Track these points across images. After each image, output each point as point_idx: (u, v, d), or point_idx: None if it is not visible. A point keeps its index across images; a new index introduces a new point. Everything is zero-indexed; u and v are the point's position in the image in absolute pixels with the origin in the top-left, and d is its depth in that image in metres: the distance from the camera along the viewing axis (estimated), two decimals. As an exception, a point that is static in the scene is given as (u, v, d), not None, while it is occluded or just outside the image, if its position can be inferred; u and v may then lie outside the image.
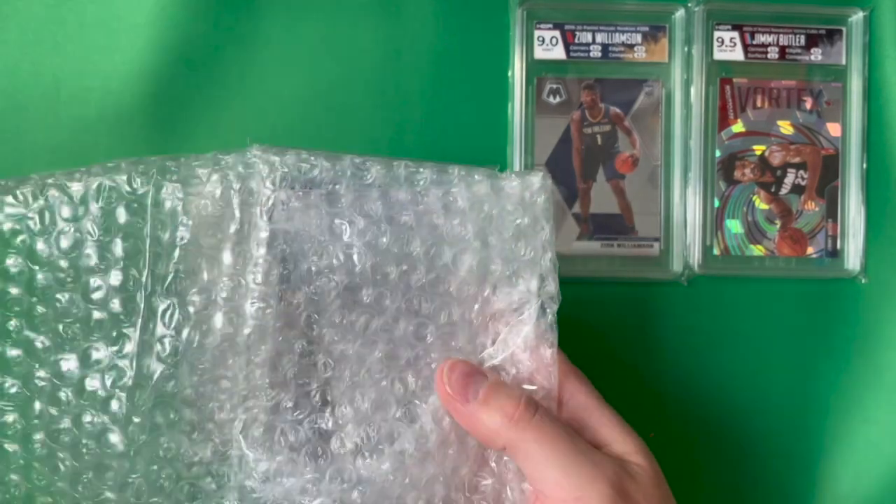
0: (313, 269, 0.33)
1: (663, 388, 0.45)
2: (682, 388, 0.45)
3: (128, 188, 0.33)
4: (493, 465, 0.35)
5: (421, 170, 0.35)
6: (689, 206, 0.45)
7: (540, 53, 0.45)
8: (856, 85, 0.46)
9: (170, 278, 0.33)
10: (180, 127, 0.44)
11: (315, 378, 0.34)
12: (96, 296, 0.33)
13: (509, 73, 0.45)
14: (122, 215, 0.33)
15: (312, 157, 0.34)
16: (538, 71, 0.45)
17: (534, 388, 0.34)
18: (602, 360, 0.45)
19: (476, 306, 0.35)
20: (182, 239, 0.33)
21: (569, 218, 0.45)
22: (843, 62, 0.46)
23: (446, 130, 0.45)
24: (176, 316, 0.33)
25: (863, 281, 0.46)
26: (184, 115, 0.44)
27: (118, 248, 0.33)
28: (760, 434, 0.46)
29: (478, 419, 0.32)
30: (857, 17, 0.46)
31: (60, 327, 0.33)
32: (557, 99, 0.45)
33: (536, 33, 0.45)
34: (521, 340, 0.34)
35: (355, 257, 0.33)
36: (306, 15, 0.44)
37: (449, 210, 0.34)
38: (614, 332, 0.45)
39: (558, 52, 0.45)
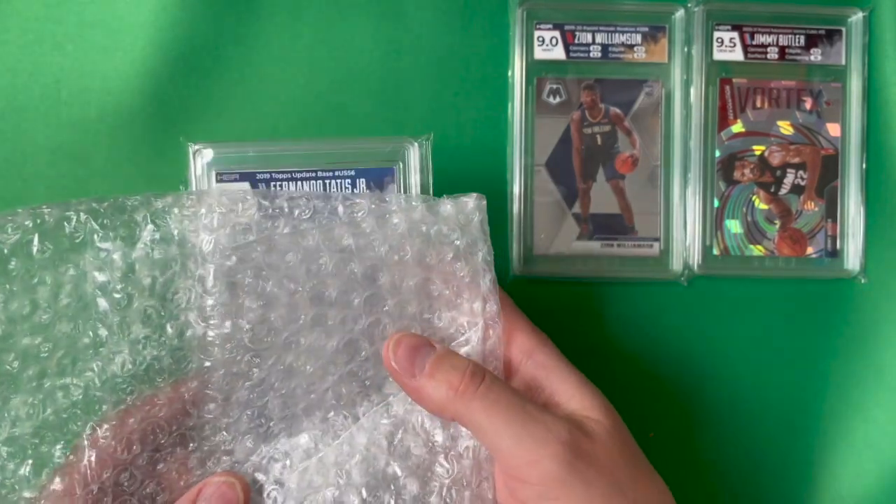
0: (253, 304, 0.33)
1: (663, 388, 0.45)
2: (681, 387, 0.45)
3: (63, 232, 0.33)
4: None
5: (359, 201, 0.35)
6: (688, 206, 0.45)
7: (540, 53, 0.45)
8: (855, 85, 0.46)
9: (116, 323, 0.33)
10: (180, 127, 0.44)
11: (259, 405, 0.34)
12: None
13: (509, 73, 0.45)
14: (55, 264, 0.33)
15: (249, 197, 0.34)
16: (538, 71, 0.45)
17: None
18: (602, 359, 0.45)
19: (416, 328, 0.35)
20: (123, 285, 0.33)
21: (569, 218, 0.45)
22: (843, 62, 0.46)
23: (446, 130, 0.45)
24: (126, 363, 0.33)
25: (862, 281, 0.46)
26: (184, 115, 0.44)
27: (63, 298, 0.33)
28: (760, 434, 0.46)
29: (425, 393, 0.32)
30: (857, 17, 0.46)
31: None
32: (557, 99, 0.45)
33: (536, 33, 0.45)
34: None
35: (291, 287, 0.34)
36: (306, 15, 0.44)
37: (384, 236, 0.34)
38: (614, 332, 0.45)
39: (558, 53, 0.45)
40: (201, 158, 0.37)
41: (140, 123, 0.43)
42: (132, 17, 0.43)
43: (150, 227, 0.34)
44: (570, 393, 0.34)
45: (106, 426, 0.32)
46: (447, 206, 0.35)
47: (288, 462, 0.34)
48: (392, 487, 0.34)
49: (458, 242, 0.35)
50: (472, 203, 0.35)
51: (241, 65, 0.44)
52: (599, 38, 0.45)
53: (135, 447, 0.33)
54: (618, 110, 0.45)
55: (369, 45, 0.45)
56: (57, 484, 0.32)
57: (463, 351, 0.35)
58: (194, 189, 0.35)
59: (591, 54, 0.45)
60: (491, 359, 0.35)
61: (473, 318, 0.35)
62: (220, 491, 0.32)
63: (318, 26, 0.44)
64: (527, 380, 0.35)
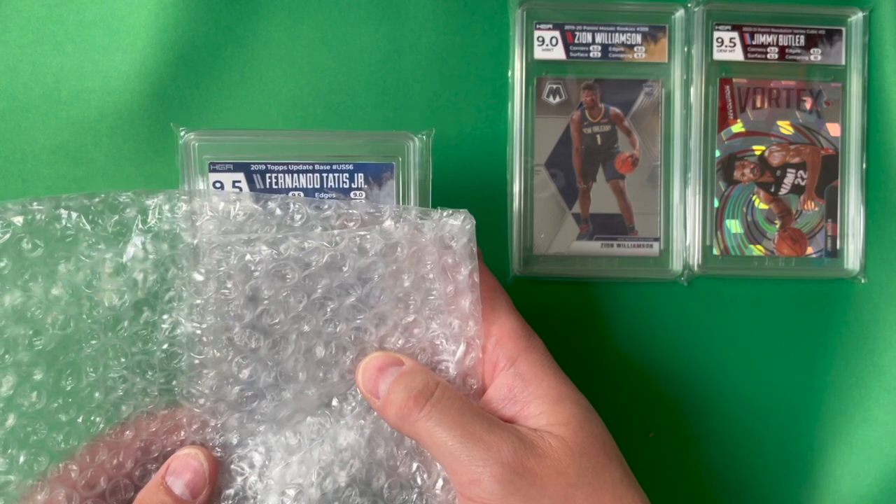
0: (242, 305, 0.33)
1: (663, 388, 0.45)
2: (681, 387, 0.45)
3: (58, 229, 0.33)
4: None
5: (351, 211, 0.35)
6: (688, 206, 0.45)
7: (540, 54, 0.45)
8: (855, 85, 0.46)
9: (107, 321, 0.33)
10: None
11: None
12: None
13: (509, 73, 0.45)
14: (46, 261, 0.33)
15: (240, 201, 0.34)
16: (538, 71, 0.45)
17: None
18: (602, 359, 0.45)
19: (399, 338, 0.35)
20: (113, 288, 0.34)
21: (569, 218, 0.45)
22: (843, 62, 0.46)
23: (446, 130, 0.45)
24: (119, 356, 0.34)
25: (862, 281, 0.46)
26: (184, 115, 0.44)
27: (57, 294, 0.33)
28: (759, 434, 0.46)
29: (383, 414, 0.33)
30: (857, 17, 0.46)
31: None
32: (557, 99, 0.45)
33: (536, 33, 0.45)
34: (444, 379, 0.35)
35: (280, 290, 0.33)
36: (306, 15, 0.44)
37: (364, 252, 0.34)
38: (614, 332, 0.45)
39: (558, 53, 0.45)
40: (192, 146, 0.36)
41: (140, 123, 0.43)
42: (132, 17, 0.43)
43: (142, 225, 0.34)
44: (542, 408, 0.33)
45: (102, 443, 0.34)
46: (435, 223, 0.35)
47: (271, 457, 0.35)
48: (370, 488, 0.34)
49: (444, 259, 0.35)
50: (458, 224, 0.35)
51: (241, 65, 0.44)
52: (599, 38, 0.45)
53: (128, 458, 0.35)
54: (618, 110, 0.45)
55: (369, 45, 0.45)
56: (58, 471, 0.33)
57: (442, 366, 0.35)
58: (186, 185, 0.35)
59: (591, 54, 0.45)
60: (470, 378, 0.35)
61: (455, 335, 0.35)
62: (185, 462, 0.34)
63: (318, 26, 0.44)
64: (504, 389, 0.34)
